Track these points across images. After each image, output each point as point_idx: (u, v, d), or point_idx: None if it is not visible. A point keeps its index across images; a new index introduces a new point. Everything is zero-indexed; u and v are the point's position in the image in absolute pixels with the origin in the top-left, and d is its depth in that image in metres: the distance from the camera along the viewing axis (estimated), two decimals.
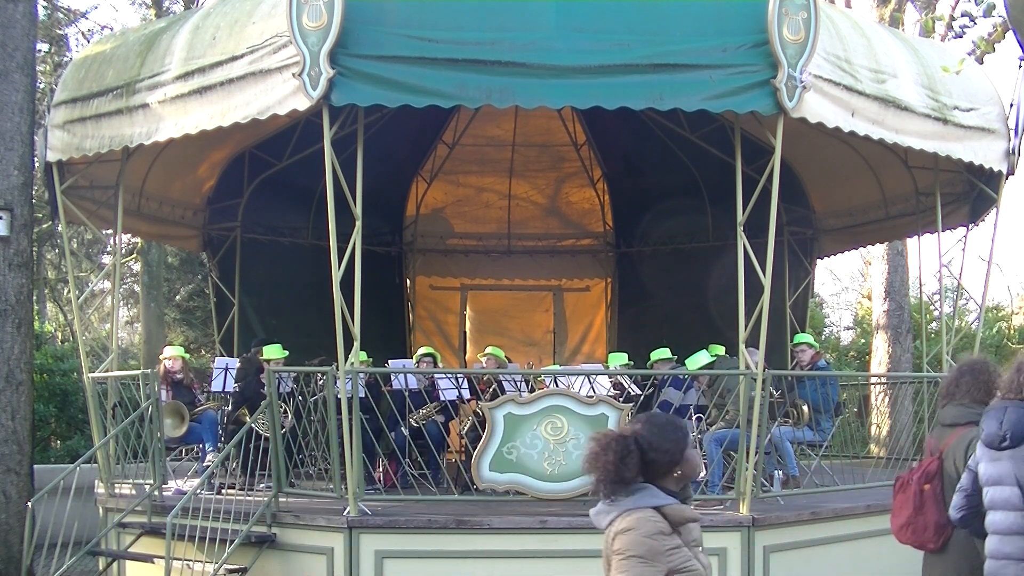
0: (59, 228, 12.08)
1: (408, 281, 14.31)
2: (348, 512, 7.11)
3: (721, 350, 9.17)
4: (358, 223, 7.06)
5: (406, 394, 9.27)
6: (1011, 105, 8.69)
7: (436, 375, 9.27)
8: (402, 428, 9.05)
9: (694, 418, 8.34)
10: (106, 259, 20.92)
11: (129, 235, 13.16)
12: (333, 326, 6.98)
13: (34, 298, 11.67)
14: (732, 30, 7.00)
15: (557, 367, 10.58)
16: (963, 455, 4.80)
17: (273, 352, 9.53)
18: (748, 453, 7.31)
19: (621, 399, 7.92)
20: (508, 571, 7.15)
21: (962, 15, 14.81)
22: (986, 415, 4.56)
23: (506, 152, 13.80)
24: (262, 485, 8.32)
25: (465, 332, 14.63)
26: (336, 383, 7.23)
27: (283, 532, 7.44)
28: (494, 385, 9.14)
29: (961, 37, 14.76)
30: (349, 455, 7.03)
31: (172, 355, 9.53)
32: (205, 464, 8.91)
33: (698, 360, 8.90)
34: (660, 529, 3.21)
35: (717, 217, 12.58)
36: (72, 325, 18.17)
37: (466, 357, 14.14)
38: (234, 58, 7.04)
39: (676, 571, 3.17)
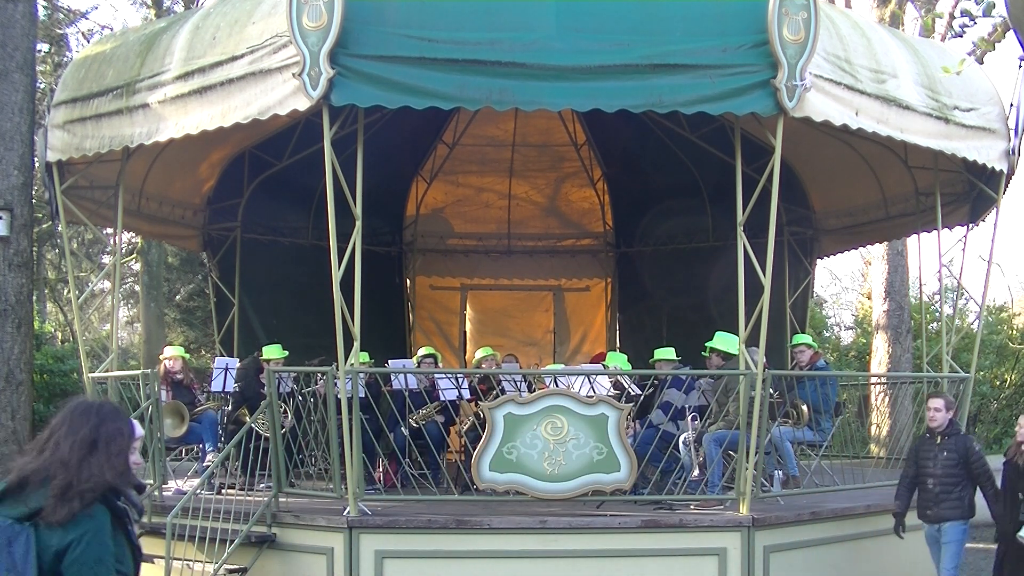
0: (59, 228, 12.08)
1: (408, 281, 14.31)
2: (348, 512, 7.11)
3: (734, 339, 9.00)
4: (358, 223, 7.06)
5: (406, 394, 9.27)
6: (1011, 105, 8.69)
7: (436, 375, 9.27)
8: (402, 428, 9.05)
9: (688, 419, 8.32)
10: (106, 259, 20.91)
11: (129, 235, 13.16)
12: (333, 326, 6.98)
13: (34, 298, 11.66)
14: (732, 30, 6.99)
15: (561, 366, 10.55)
16: None
17: (272, 352, 9.53)
18: (748, 453, 7.30)
19: (621, 399, 7.91)
20: (508, 571, 7.15)
21: (962, 14, 14.79)
22: None
23: (506, 152, 13.80)
24: (262, 485, 8.31)
25: (465, 332, 14.64)
26: (336, 383, 7.23)
27: (283, 532, 7.43)
28: (496, 389, 9.10)
29: (961, 36, 14.75)
30: (349, 455, 7.03)
31: (172, 355, 9.51)
32: (205, 464, 8.90)
33: (731, 342, 8.66)
34: None
35: (717, 217, 12.58)
36: (72, 325, 18.17)
37: (466, 357, 14.14)
38: (234, 58, 7.04)
39: None
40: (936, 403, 7.44)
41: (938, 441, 7.41)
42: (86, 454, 2.92)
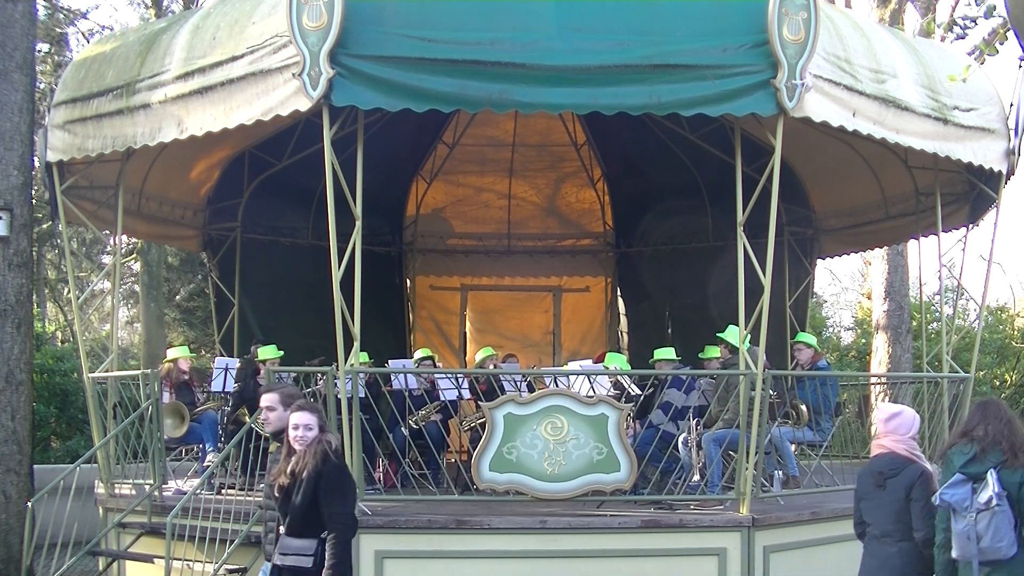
0: (59, 228, 12.08)
1: (408, 281, 14.30)
2: None
3: (735, 332, 8.96)
4: (358, 223, 7.06)
5: (406, 394, 9.27)
6: (1011, 105, 8.69)
7: (436, 376, 9.27)
8: (402, 428, 9.05)
9: (692, 422, 8.31)
10: (106, 259, 20.93)
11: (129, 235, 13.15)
12: (333, 326, 6.98)
13: (34, 298, 11.66)
14: (732, 30, 6.99)
15: (574, 366, 10.49)
16: None
17: (268, 352, 9.49)
18: (748, 453, 7.31)
19: (621, 399, 7.91)
20: (508, 571, 7.15)
21: (962, 17, 14.79)
22: None
23: (506, 152, 13.80)
24: (262, 485, 8.30)
25: (465, 332, 14.63)
26: (336, 383, 7.23)
27: None
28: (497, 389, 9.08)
29: (962, 39, 14.75)
30: (349, 455, 7.02)
31: (182, 356, 9.49)
32: (205, 464, 8.91)
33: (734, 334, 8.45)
34: None
35: (717, 217, 12.57)
36: (72, 325, 18.17)
37: (466, 357, 14.13)
38: (234, 58, 7.04)
39: None
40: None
41: None
42: (1013, 429, 4.74)
